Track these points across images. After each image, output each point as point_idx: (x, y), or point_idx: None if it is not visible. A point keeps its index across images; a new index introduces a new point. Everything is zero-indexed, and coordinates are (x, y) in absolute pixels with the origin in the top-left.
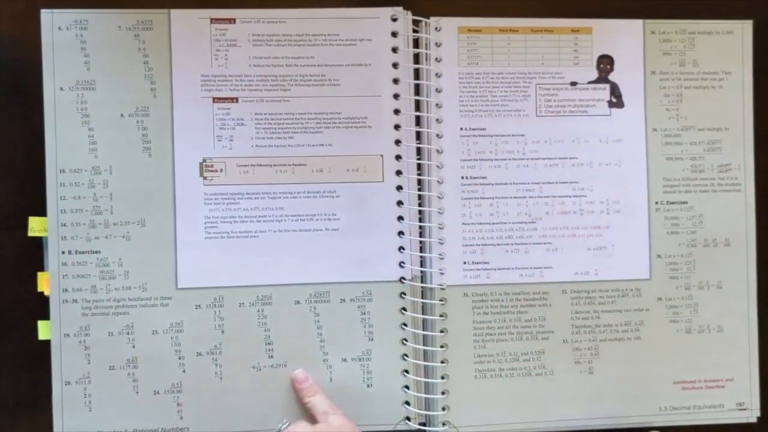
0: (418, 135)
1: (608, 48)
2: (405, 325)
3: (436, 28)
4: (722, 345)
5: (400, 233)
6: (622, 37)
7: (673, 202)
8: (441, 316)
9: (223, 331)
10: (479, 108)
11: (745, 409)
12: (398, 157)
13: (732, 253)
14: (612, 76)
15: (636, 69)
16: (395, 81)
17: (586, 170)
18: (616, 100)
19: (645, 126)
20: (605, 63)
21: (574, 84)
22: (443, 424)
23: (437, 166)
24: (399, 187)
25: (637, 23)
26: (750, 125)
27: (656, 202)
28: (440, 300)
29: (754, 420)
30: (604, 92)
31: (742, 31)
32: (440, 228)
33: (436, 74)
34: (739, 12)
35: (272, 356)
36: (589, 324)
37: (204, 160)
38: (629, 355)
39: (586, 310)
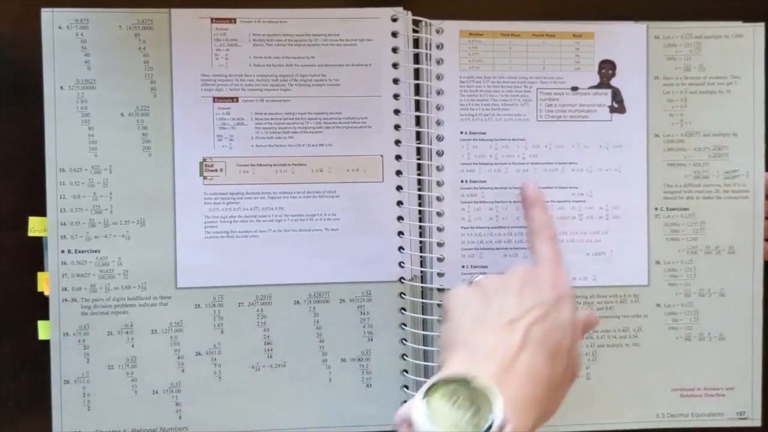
0: (418, 135)
1: (610, 53)
2: (404, 325)
3: (437, 31)
4: (724, 353)
5: (400, 233)
6: (625, 41)
7: (673, 209)
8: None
9: (222, 331)
10: (480, 112)
11: (745, 419)
12: (398, 158)
13: (736, 261)
14: (614, 82)
15: (638, 74)
16: (395, 81)
17: (586, 175)
18: (618, 105)
19: (646, 132)
20: (607, 68)
21: (575, 89)
22: None
23: (437, 168)
24: (399, 188)
25: (641, 27)
26: (761, 130)
27: (656, 208)
28: (440, 301)
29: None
30: (605, 97)
31: (753, 34)
32: (440, 230)
33: (437, 76)
34: (750, 14)
35: (271, 356)
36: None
37: (204, 160)
38: (627, 361)
39: None
